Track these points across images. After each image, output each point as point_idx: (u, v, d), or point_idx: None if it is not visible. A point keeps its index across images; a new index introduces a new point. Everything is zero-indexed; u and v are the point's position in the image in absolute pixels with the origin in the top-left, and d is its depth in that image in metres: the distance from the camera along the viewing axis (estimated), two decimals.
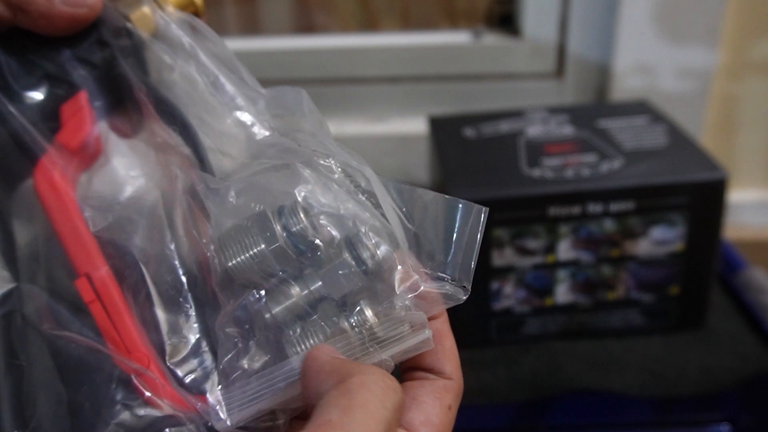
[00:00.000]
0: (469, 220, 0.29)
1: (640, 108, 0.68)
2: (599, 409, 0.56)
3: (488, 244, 0.56)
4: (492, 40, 0.88)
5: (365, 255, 0.28)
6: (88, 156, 0.31)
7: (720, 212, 0.57)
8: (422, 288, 0.28)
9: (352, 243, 0.28)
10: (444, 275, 0.29)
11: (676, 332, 0.61)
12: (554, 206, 0.55)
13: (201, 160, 0.31)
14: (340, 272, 0.28)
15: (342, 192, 0.29)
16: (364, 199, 0.30)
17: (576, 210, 0.56)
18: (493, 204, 0.55)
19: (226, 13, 0.94)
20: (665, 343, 0.60)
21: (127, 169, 0.31)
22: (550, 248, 0.57)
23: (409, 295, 0.28)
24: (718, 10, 0.77)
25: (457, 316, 0.62)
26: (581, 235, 0.57)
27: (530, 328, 0.60)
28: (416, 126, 0.83)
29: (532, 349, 0.60)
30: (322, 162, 0.30)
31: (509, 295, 0.59)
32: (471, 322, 0.60)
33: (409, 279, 0.28)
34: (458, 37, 0.89)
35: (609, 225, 0.56)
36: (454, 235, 0.29)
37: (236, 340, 0.28)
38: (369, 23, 0.95)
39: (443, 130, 0.67)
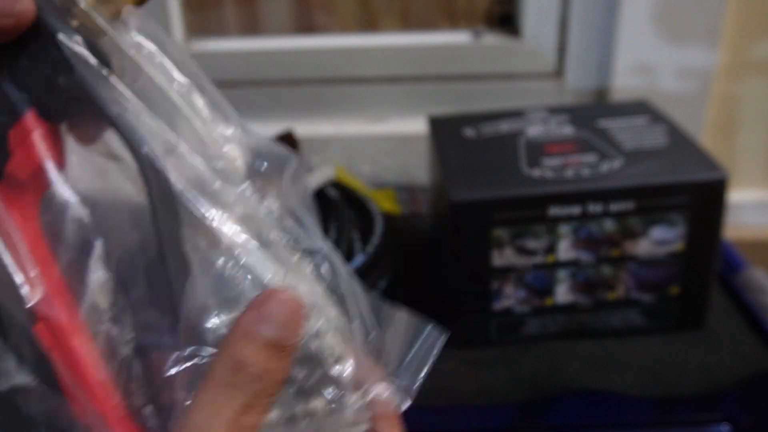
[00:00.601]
0: (429, 341, 0.31)
1: (640, 108, 0.68)
2: (599, 409, 0.56)
3: (488, 244, 0.56)
4: (492, 40, 0.88)
5: (323, 352, 0.29)
6: (45, 181, 0.28)
7: (720, 212, 0.57)
8: (371, 392, 0.30)
9: (311, 338, 0.28)
10: (393, 383, 0.30)
11: (676, 332, 0.61)
12: (554, 206, 0.55)
13: (144, 173, 0.28)
14: (297, 364, 0.28)
15: (308, 283, 0.30)
16: (328, 294, 0.30)
17: (576, 210, 0.56)
18: (493, 204, 0.55)
19: (226, 13, 0.94)
20: (665, 343, 0.60)
21: (76, 204, 0.29)
22: (550, 248, 0.57)
23: (358, 397, 0.29)
24: (718, 10, 0.77)
25: (457, 315, 0.62)
26: (581, 235, 0.57)
27: (530, 328, 0.60)
28: (416, 126, 0.83)
29: (532, 349, 0.60)
30: (295, 257, 0.30)
31: (509, 295, 0.59)
32: (471, 322, 0.60)
33: (360, 381, 0.30)
34: (458, 37, 0.89)
35: (609, 225, 0.56)
36: (412, 350, 0.31)
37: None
38: (369, 23, 0.95)
39: (443, 130, 0.67)
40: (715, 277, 0.60)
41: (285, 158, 0.31)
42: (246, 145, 0.31)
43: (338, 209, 0.68)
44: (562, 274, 0.58)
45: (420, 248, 0.72)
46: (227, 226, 0.29)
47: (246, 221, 0.29)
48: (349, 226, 0.66)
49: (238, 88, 0.89)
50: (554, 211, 0.56)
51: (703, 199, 0.56)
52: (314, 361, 0.29)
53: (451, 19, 0.93)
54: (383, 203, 0.75)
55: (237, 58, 0.88)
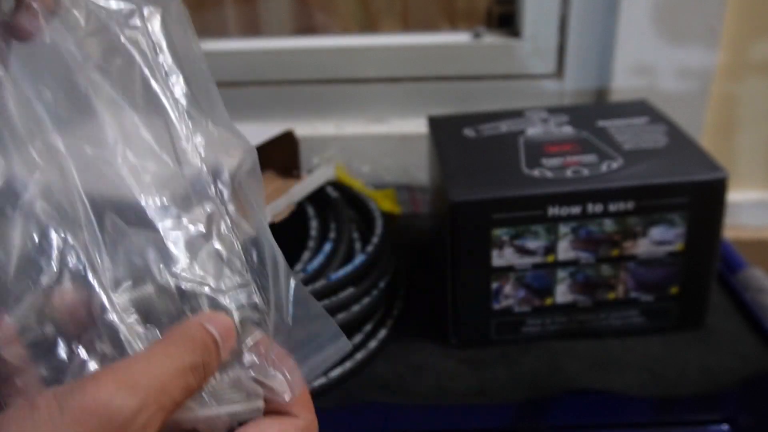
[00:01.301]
0: (333, 346, 0.32)
1: (639, 108, 0.68)
2: (599, 409, 0.56)
3: (488, 244, 0.56)
4: (492, 40, 0.88)
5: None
6: None
7: (720, 212, 0.57)
8: (267, 374, 0.31)
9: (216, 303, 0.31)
10: (285, 375, 0.32)
11: (676, 332, 0.61)
12: (554, 206, 0.55)
13: None
14: None
15: (235, 273, 0.32)
16: (249, 277, 0.32)
17: (576, 210, 0.56)
18: (493, 204, 0.55)
19: (226, 13, 0.94)
20: (665, 343, 0.60)
21: None
22: (550, 248, 0.57)
23: (253, 374, 0.31)
24: (718, 10, 0.77)
25: (457, 315, 0.62)
26: (581, 235, 0.57)
27: (530, 327, 0.60)
28: (416, 126, 0.83)
29: (532, 349, 0.60)
30: (233, 245, 0.32)
31: (509, 295, 0.59)
32: (471, 322, 0.60)
33: (260, 362, 0.31)
34: (458, 38, 0.89)
35: (609, 225, 0.56)
36: (314, 351, 0.32)
37: None
38: (369, 24, 0.95)
39: (443, 130, 0.67)
40: (715, 277, 0.60)
41: (251, 152, 0.33)
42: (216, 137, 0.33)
43: (338, 209, 0.68)
44: (562, 274, 0.58)
45: (420, 248, 0.72)
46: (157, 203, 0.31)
47: (184, 202, 0.32)
48: (349, 226, 0.66)
49: (238, 88, 0.89)
50: (554, 211, 0.56)
51: (703, 199, 0.56)
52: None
53: (451, 20, 0.93)
54: (383, 203, 0.75)
55: (237, 58, 0.88)
